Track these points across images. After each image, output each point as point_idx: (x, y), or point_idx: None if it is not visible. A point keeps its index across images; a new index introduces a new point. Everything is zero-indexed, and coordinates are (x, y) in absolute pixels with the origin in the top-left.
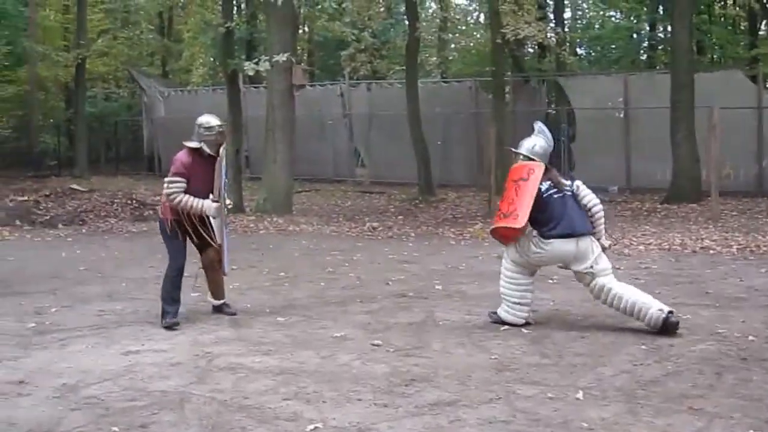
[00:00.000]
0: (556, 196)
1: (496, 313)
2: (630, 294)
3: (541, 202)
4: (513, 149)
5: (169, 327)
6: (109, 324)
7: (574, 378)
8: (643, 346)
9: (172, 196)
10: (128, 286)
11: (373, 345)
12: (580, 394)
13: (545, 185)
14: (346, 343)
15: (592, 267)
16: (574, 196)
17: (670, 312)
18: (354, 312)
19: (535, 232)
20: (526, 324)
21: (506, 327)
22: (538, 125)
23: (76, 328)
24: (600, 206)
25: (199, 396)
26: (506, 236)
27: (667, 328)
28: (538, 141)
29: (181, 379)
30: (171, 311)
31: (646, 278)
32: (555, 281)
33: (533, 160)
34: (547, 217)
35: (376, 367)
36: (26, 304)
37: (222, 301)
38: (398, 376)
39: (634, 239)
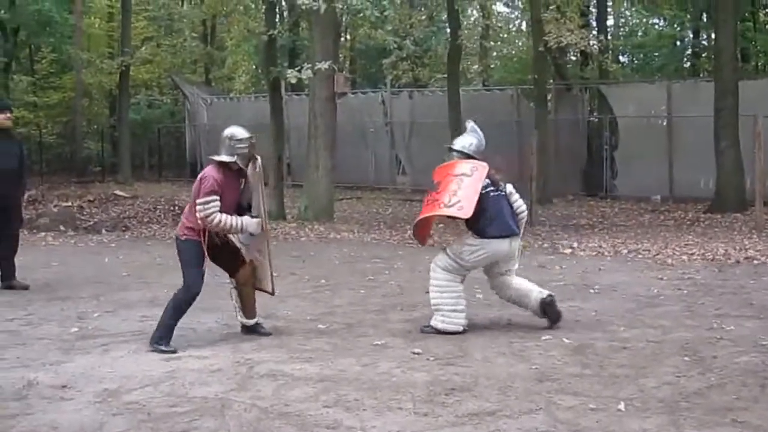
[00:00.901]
0: (493, 194)
1: (429, 326)
2: (517, 283)
3: (479, 199)
4: (449, 146)
5: (166, 352)
6: (150, 330)
7: (616, 389)
8: (686, 358)
9: (210, 218)
10: (170, 292)
11: (414, 353)
12: (621, 406)
13: (484, 182)
14: (387, 351)
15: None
16: (506, 197)
17: (550, 295)
18: (394, 320)
19: (468, 233)
20: (464, 331)
21: (547, 336)
22: (471, 124)
23: (118, 333)
24: (526, 212)
25: (240, 403)
26: (426, 230)
27: (545, 310)
28: (472, 140)
29: (222, 385)
30: (169, 336)
31: (689, 288)
32: (596, 291)
33: (471, 156)
34: (485, 215)
35: (417, 376)
36: (69, 309)
37: (255, 321)
38: (439, 385)
39: (677, 249)
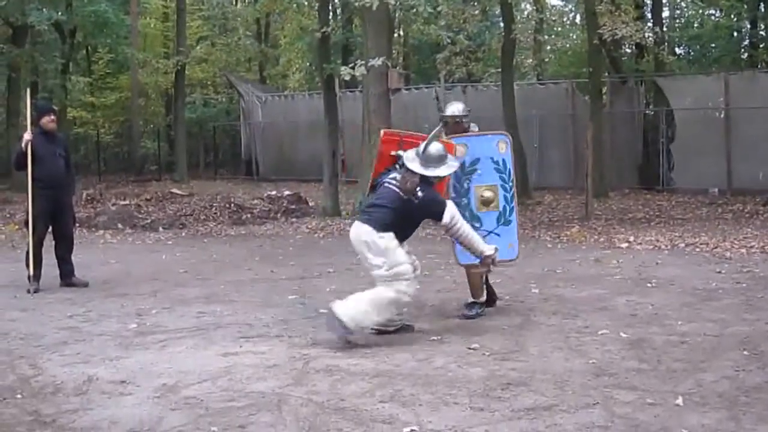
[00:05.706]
0: None
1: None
2: None
3: None
4: None
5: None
6: (207, 326)
7: (674, 383)
8: (746, 352)
9: None
10: (226, 289)
11: (470, 348)
12: (680, 400)
13: None
14: (443, 346)
15: None
16: None
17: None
18: (450, 315)
19: None
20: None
21: (604, 331)
22: None
23: (175, 329)
24: None
25: (297, 398)
26: None
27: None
28: None
29: (279, 380)
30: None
31: (748, 282)
32: (654, 285)
33: None
34: None
35: (473, 371)
36: (128, 305)
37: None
38: (495, 379)
39: (736, 242)
